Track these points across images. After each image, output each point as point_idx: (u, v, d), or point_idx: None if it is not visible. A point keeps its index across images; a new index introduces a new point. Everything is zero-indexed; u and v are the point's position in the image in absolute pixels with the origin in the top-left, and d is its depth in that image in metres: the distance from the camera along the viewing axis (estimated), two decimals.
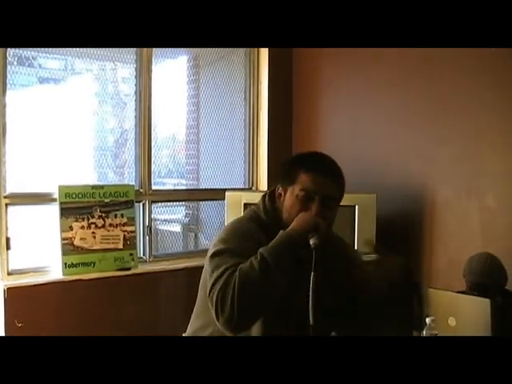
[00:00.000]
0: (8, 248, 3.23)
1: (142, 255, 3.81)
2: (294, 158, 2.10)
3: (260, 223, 2.01)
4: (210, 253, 1.95)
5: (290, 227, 1.89)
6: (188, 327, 2.14)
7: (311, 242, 1.85)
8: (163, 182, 4.09)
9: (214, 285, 1.83)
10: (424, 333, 2.54)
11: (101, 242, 3.50)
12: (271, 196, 2.06)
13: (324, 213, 1.94)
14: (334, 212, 2.02)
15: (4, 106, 3.21)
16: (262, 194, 2.12)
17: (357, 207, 3.55)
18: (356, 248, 3.50)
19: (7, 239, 3.22)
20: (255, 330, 1.92)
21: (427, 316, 2.57)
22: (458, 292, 2.93)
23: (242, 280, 1.77)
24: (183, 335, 2.14)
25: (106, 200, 3.53)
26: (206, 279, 1.94)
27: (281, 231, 1.89)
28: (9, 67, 3.24)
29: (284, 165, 2.08)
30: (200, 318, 2.06)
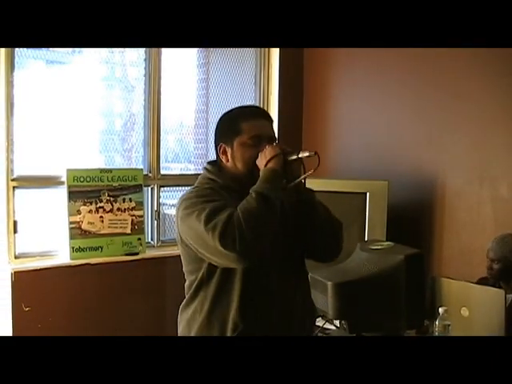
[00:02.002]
0: (15, 231, 3.21)
1: (149, 240, 3.79)
2: (227, 115, 2.21)
3: (217, 186, 2.07)
4: (184, 211, 1.99)
5: (265, 165, 1.99)
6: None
7: (300, 154, 2.01)
8: (170, 166, 4.06)
9: (208, 223, 1.87)
10: (436, 323, 2.52)
11: (109, 227, 3.48)
12: (211, 162, 2.17)
13: None
14: None
15: (12, 89, 3.18)
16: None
17: (368, 194, 3.52)
18: (367, 236, 3.47)
19: (14, 222, 3.21)
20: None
21: (440, 306, 2.55)
22: (477, 281, 2.90)
23: (247, 214, 1.85)
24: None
25: (115, 184, 3.51)
26: (191, 235, 1.98)
27: (261, 170, 1.98)
28: (17, 50, 3.21)
29: (219, 124, 2.19)
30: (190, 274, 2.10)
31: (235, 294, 1.99)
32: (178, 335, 2.15)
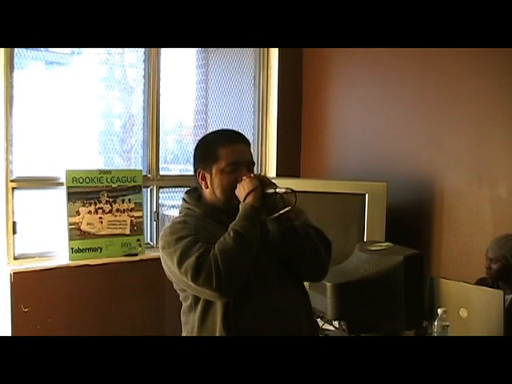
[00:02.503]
0: (14, 232, 3.20)
1: (149, 241, 3.78)
2: (204, 140, 2.20)
3: (196, 216, 2.09)
4: (162, 252, 2.06)
5: (243, 199, 2.00)
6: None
7: (278, 190, 2.01)
8: (169, 167, 4.06)
9: (183, 262, 1.92)
10: (435, 324, 2.52)
11: (108, 228, 3.47)
12: (189, 192, 2.20)
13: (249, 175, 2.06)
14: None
15: (11, 90, 3.17)
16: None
17: (367, 195, 3.51)
18: (366, 237, 3.47)
19: (14, 223, 3.20)
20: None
21: (439, 307, 2.56)
22: (476, 282, 2.90)
23: (223, 253, 1.89)
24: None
25: (114, 185, 3.50)
26: (172, 275, 2.06)
27: (240, 205, 2.00)
28: (16, 50, 3.20)
29: (197, 149, 2.19)
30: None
31: (218, 321, 2.00)
32: None
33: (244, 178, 2.03)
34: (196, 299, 2.04)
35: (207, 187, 2.10)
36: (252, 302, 2.01)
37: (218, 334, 1.98)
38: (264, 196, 2.01)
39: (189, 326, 2.08)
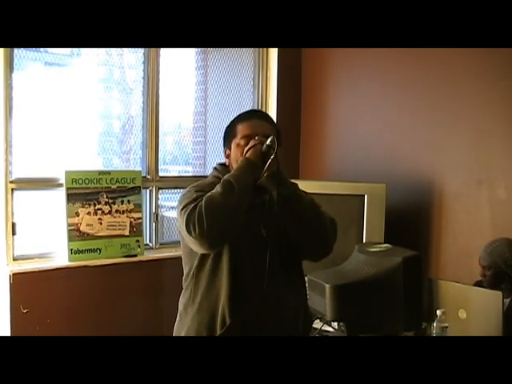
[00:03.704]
0: (14, 233, 3.20)
1: (148, 242, 3.78)
2: (231, 121, 2.28)
3: (218, 182, 2.10)
4: (178, 203, 2.10)
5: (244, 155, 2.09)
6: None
7: (268, 141, 2.03)
8: (168, 168, 4.06)
9: (182, 210, 1.99)
10: (434, 325, 2.52)
11: (107, 229, 3.47)
12: (221, 164, 2.27)
13: None
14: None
15: (11, 91, 3.17)
16: None
17: (366, 197, 3.52)
18: (365, 238, 3.48)
19: (13, 224, 3.20)
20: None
21: (438, 308, 2.56)
22: (475, 283, 2.90)
23: (208, 199, 1.95)
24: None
25: (113, 186, 3.51)
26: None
27: (239, 160, 2.08)
28: (15, 52, 3.20)
29: (225, 130, 2.28)
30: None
31: (223, 290, 2.05)
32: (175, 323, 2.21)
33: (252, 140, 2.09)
34: (200, 265, 2.09)
35: (230, 164, 2.19)
36: (254, 277, 2.06)
37: (221, 307, 2.04)
38: (263, 155, 2.05)
39: (187, 297, 2.13)
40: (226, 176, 2.03)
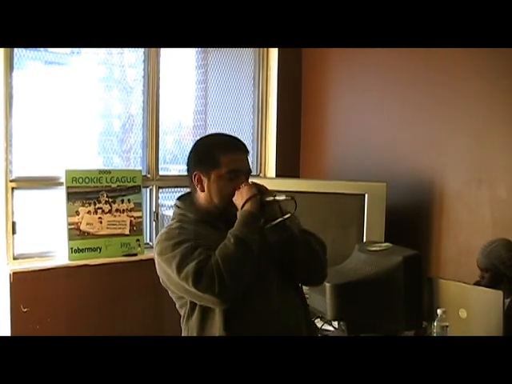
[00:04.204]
0: (14, 232, 3.20)
1: (148, 241, 3.78)
2: (203, 143, 2.20)
3: (190, 221, 2.08)
4: (158, 258, 2.06)
5: (241, 206, 2.00)
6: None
7: (277, 197, 2.02)
8: (168, 167, 4.06)
9: (183, 266, 1.91)
10: (435, 324, 2.52)
11: (107, 228, 3.47)
12: (181, 198, 2.21)
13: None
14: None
15: (11, 90, 3.17)
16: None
17: (366, 196, 3.51)
18: (365, 237, 3.47)
19: (13, 223, 3.19)
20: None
21: (438, 307, 2.55)
22: (475, 282, 2.90)
23: (226, 260, 1.88)
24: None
25: (113, 185, 3.50)
26: (169, 282, 2.06)
27: (238, 212, 2.00)
28: (15, 51, 3.20)
29: (195, 151, 2.17)
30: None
31: (218, 327, 1.99)
32: None
33: (243, 185, 2.04)
34: (192, 307, 2.04)
35: (203, 191, 2.10)
36: (251, 307, 2.01)
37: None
38: (263, 204, 2.02)
39: (187, 333, 2.08)
40: (234, 232, 1.95)
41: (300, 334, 2.07)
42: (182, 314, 2.12)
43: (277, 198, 2.03)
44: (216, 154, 2.08)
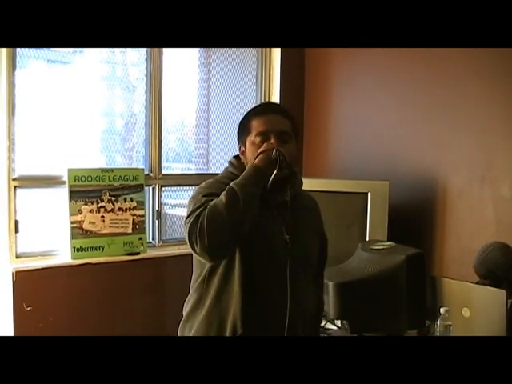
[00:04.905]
0: (16, 231, 3.21)
1: (150, 240, 3.78)
2: (244, 115, 2.17)
3: (231, 178, 2.03)
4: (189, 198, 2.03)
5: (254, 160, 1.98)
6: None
7: (273, 153, 1.94)
8: (171, 166, 4.06)
9: (187, 218, 1.90)
10: (438, 323, 2.51)
11: (110, 226, 3.47)
12: (237, 156, 2.15)
13: (281, 146, 2.00)
14: (291, 146, 2.06)
15: (14, 89, 3.17)
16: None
17: (369, 194, 3.51)
18: (368, 236, 3.47)
19: (16, 222, 3.20)
20: (236, 261, 1.98)
21: (441, 306, 2.55)
22: (476, 283, 2.89)
23: (211, 211, 1.85)
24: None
25: (116, 184, 3.50)
26: None
27: (247, 165, 1.99)
28: (18, 49, 3.20)
29: (239, 124, 2.15)
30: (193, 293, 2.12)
31: (235, 298, 1.98)
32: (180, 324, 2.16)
33: (264, 144, 2.01)
34: (212, 270, 2.01)
35: (244, 161, 2.09)
36: (268, 286, 2.01)
37: (231, 315, 1.98)
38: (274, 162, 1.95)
39: (195, 300, 2.07)
40: (231, 183, 1.92)
41: (303, 311, 2.07)
42: (196, 274, 2.09)
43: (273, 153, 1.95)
44: (249, 120, 2.09)
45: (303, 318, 2.07)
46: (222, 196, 1.88)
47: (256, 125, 2.05)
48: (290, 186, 2.06)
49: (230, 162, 2.17)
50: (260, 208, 1.95)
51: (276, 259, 2.02)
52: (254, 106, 2.25)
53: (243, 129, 2.10)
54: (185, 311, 2.14)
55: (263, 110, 2.15)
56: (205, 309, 2.04)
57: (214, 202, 1.88)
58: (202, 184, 2.07)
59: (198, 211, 1.88)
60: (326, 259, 2.29)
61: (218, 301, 2.01)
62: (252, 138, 2.05)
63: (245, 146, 2.08)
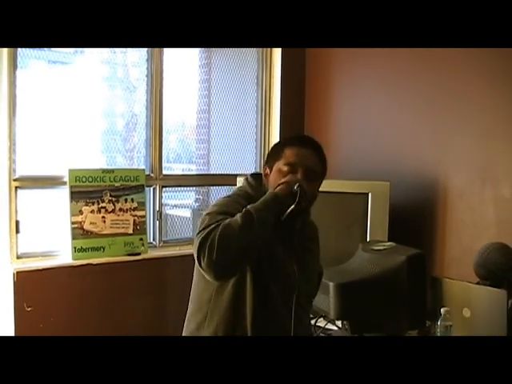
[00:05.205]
0: (17, 232, 3.20)
1: (151, 240, 3.78)
2: (281, 139, 2.21)
3: (247, 198, 2.05)
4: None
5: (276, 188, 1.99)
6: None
7: (295, 187, 1.95)
8: (171, 167, 4.06)
9: (199, 233, 1.87)
10: (438, 323, 2.52)
11: (111, 227, 3.47)
12: (255, 175, 2.17)
13: (305, 183, 2.01)
14: (315, 186, 2.10)
15: (14, 89, 3.17)
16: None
17: (370, 195, 3.51)
18: (369, 237, 3.47)
19: (17, 223, 3.20)
20: (245, 282, 1.98)
21: (442, 306, 2.55)
22: (476, 283, 2.89)
23: (225, 228, 1.83)
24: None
25: (117, 184, 3.50)
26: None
27: (268, 191, 2.00)
28: (19, 50, 3.20)
29: (272, 147, 2.18)
30: (193, 302, 2.11)
31: (246, 319, 1.98)
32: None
33: (290, 175, 2.01)
34: (221, 288, 2.00)
35: (267, 183, 2.09)
36: (278, 311, 2.02)
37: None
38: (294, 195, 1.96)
39: (201, 317, 2.04)
40: (249, 206, 1.91)
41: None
42: (200, 289, 2.06)
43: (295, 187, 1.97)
44: (282, 147, 2.09)
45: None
46: (238, 216, 1.87)
47: (288, 154, 2.05)
48: (302, 218, 2.09)
49: (247, 180, 2.17)
50: (271, 235, 1.95)
51: (284, 287, 2.04)
52: (296, 135, 2.27)
53: (274, 153, 2.11)
54: (188, 328, 2.12)
55: (301, 141, 2.12)
56: (210, 329, 2.02)
57: (228, 220, 1.86)
58: (218, 201, 2.05)
59: (212, 227, 1.85)
60: (317, 291, 2.32)
61: (225, 320, 2.00)
62: (280, 165, 2.05)
63: (270, 170, 2.09)
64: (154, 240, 3.80)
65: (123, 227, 3.52)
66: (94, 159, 3.65)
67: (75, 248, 3.33)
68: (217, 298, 2.01)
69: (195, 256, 1.86)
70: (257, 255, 1.92)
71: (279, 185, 1.99)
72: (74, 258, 3.33)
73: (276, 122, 4.29)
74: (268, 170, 2.11)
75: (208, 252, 1.80)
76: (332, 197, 3.47)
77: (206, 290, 2.04)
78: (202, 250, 1.81)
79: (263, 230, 1.89)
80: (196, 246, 1.85)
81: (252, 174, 2.19)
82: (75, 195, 3.35)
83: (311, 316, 2.29)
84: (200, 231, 1.87)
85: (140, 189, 3.60)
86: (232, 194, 2.12)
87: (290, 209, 1.94)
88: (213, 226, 1.85)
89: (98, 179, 3.44)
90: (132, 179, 3.56)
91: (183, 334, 2.13)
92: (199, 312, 2.06)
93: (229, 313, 2.00)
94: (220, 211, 1.95)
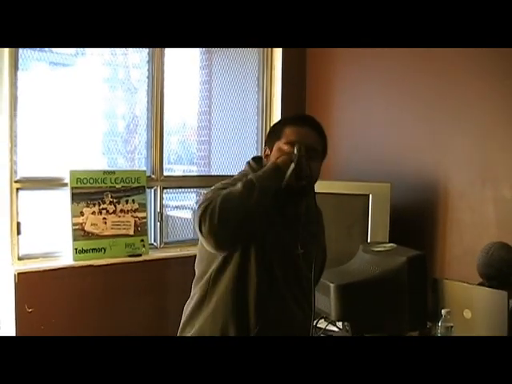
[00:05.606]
0: (18, 233, 3.21)
1: (152, 241, 3.78)
2: (281, 119, 2.23)
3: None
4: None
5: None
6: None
7: (295, 150, 1.97)
8: (173, 168, 4.07)
9: (200, 205, 1.89)
10: (439, 325, 2.51)
11: (112, 228, 3.48)
12: (256, 158, 2.18)
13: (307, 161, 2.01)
14: (316, 164, 2.11)
15: (16, 91, 3.17)
16: None
17: (371, 196, 3.51)
18: (369, 238, 3.47)
19: (18, 224, 3.20)
20: (244, 254, 1.99)
21: (443, 308, 2.55)
22: (478, 284, 2.89)
23: (226, 195, 1.86)
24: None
25: (118, 185, 3.51)
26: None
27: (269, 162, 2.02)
28: (20, 51, 3.21)
29: (271, 127, 2.20)
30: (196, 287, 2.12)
31: (251, 296, 1.99)
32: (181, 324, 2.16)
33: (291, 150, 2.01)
34: (222, 267, 2.01)
35: (267, 164, 2.08)
36: (280, 292, 2.03)
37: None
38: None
39: (201, 294, 2.06)
40: (250, 175, 1.95)
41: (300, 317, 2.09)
42: (201, 270, 2.08)
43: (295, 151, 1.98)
44: (281, 126, 2.10)
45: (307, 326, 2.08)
46: (239, 184, 1.90)
47: (288, 132, 2.06)
48: (306, 198, 2.08)
49: (248, 163, 2.18)
50: (275, 218, 1.98)
51: (288, 271, 2.05)
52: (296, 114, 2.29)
53: (274, 133, 2.11)
54: (186, 310, 2.14)
55: (300, 120, 2.14)
56: (210, 307, 2.04)
57: (228, 189, 1.90)
58: (221, 182, 2.07)
59: (213, 197, 1.88)
60: (323, 271, 2.33)
61: (225, 300, 2.02)
62: (280, 144, 2.05)
63: (271, 150, 2.09)
64: (154, 241, 3.80)
65: (124, 228, 3.52)
66: (95, 160, 3.65)
67: (76, 249, 3.33)
68: (216, 279, 2.03)
69: (196, 225, 1.88)
70: (257, 226, 1.93)
71: (279, 156, 2.01)
72: (75, 260, 3.33)
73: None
74: (268, 151, 2.11)
75: (209, 217, 1.81)
76: (333, 198, 3.47)
77: (204, 272, 2.06)
78: (203, 216, 1.83)
79: (264, 197, 1.90)
80: (198, 213, 1.86)
81: (253, 158, 2.19)
82: (76, 196, 3.36)
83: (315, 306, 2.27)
84: (202, 202, 1.90)
85: (141, 190, 3.60)
86: (234, 177, 2.13)
87: (291, 169, 1.95)
88: (214, 196, 1.88)
89: (99, 180, 3.44)
90: (133, 180, 3.57)
91: (184, 319, 2.15)
92: (197, 293, 2.09)
93: (230, 291, 2.01)
94: (221, 187, 1.98)
